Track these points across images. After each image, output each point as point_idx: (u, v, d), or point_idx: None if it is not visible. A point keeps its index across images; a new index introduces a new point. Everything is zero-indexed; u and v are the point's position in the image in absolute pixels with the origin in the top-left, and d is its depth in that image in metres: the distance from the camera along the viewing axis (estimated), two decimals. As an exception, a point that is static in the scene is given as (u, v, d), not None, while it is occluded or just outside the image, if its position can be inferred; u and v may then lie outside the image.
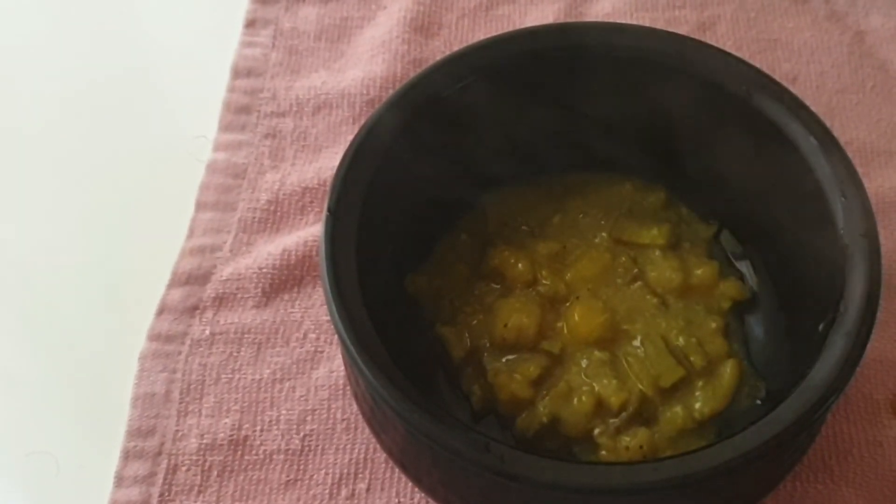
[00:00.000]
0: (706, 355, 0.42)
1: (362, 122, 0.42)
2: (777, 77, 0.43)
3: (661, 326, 0.43)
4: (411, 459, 0.39)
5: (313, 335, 0.48)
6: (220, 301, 0.48)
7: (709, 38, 0.55)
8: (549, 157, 0.47)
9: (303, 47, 0.58)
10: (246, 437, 0.45)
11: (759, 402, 0.42)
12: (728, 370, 0.42)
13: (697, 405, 0.41)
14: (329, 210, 0.39)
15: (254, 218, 0.51)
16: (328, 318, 0.42)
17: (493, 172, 0.46)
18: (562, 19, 0.59)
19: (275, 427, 0.45)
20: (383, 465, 0.44)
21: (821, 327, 0.38)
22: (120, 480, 0.44)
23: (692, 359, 0.42)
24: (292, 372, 0.47)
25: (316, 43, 0.58)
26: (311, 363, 0.47)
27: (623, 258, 0.45)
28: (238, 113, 0.55)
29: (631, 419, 0.41)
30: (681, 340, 0.42)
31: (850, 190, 0.39)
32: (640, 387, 0.41)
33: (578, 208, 0.47)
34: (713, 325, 0.43)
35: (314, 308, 0.48)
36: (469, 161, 0.45)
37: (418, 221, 0.45)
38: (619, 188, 0.47)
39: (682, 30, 0.57)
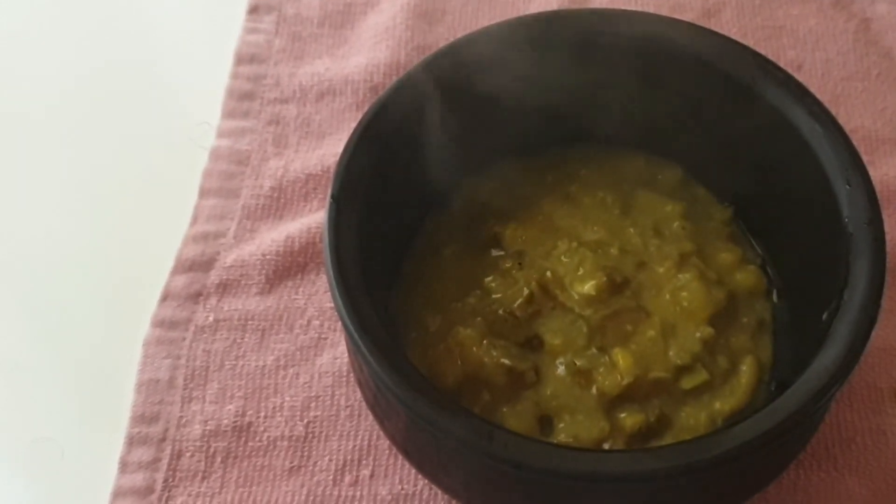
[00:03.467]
0: (731, 355, 0.41)
1: (366, 108, 0.42)
2: (782, 64, 0.43)
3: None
4: (414, 446, 0.39)
5: (317, 322, 0.48)
6: (224, 288, 0.48)
7: (714, 25, 0.55)
8: (554, 136, 0.47)
9: (306, 33, 0.58)
10: (250, 424, 0.45)
11: (772, 389, 0.42)
12: (747, 367, 0.41)
13: (717, 405, 0.40)
14: (332, 197, 0.39)
15: (257, 205, 0.51)
16: (331, 304, 0.42)
17: (499, 154, 0.46)
18: (566, 6, 0.59)
19: (278, 414, 0.45)
20: (387, 452, 0.44)
21: (825, 316, 0.38)
22: (124, 466, 0.44)
23: (718, 359, 0.41)
24: (296, 359, 0.47)
25: (319, 29, 0.58)
26: (314, 350, 0.47)
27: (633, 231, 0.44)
28: (241, 99, 0.55)
29: (645, 435, 0.40)
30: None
31: (855, 178, 0.39)
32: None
33: (585, 181, 0.46)
34: (744, 319, 0.42)
35: (318, 295, 0.48)
36: (475, 145, 0.45)
37: (422, 207, 0.45)
38: (632, 161, 0.46)
39: (687, 16, 0.57)
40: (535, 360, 0.41)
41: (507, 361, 0.40)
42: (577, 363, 0.40)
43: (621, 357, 0.40)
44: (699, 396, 0.41)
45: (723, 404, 0.40)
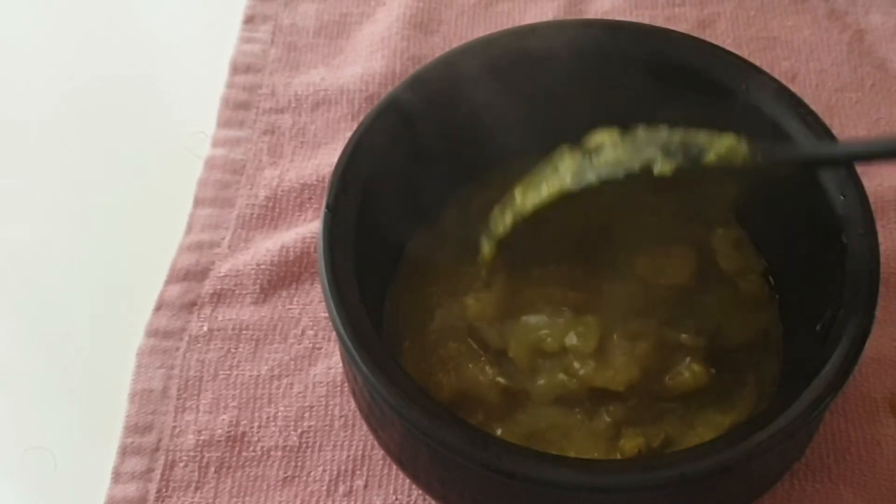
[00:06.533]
0: (733, 367, 0.41)
1: (361, 118, 0.42)
2: (776, 75, 0.43)
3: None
4: (409, 456, 0.39)
5: (311, 332, 0.47)
6: (218, 297, 0.48)
7: (708, 36, 0.55)
8: (550, 145, 0.46)
9: (302, 43, 0.58)
10: (243, 434, 0.45)
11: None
12: (750, 380, 0.41)
13: (718, 419, 0.40)
14: (327, 207, 0.39)
15: (252, 214, 0.51)
16: (326, 314, 0.42)
17: (494, 163, 0.46)
18: (561, 16, 0.59)
19: (272, 424, 0.45)
20: (381, 462, 0.44)
21: (819, 326, 0.38)
22: (117, 476, 0.44)
23: (720, 371, 0.40)
24: (290, 368, 0.47)
25: (315, 39, 0.58)
26: (308, 360, 0.47)
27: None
28: (237, 109, 0.55)
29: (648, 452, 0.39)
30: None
31: (849, 188, 0.39)
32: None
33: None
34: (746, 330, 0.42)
35: (312, 305, 0.48)
36: (470, 154, 0.45)
37: (416, 215, 0.45)
38: None
39: (682, 27, 0.57)
40: (531, 379, 0.40)
41: (502, 380, 0.40)
42: (575, 384, 0.40)
43: (620, 375, 0.39)
44: (702, 412, 0.40)
45: (724, 418, 0.40)
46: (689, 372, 0.40)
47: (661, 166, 0.37)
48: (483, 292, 0.42)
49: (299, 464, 0.44)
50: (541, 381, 0.40)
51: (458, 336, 0.41)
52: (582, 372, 0.39)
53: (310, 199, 0.52)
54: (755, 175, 0.38)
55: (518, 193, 0.40)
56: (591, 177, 0.38)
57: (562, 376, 0.40)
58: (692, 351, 0.40)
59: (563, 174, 0.39)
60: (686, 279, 0.42)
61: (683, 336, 0.40)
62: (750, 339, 0.42)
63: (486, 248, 0.41)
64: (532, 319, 0.41)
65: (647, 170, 0.38)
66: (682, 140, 0.38)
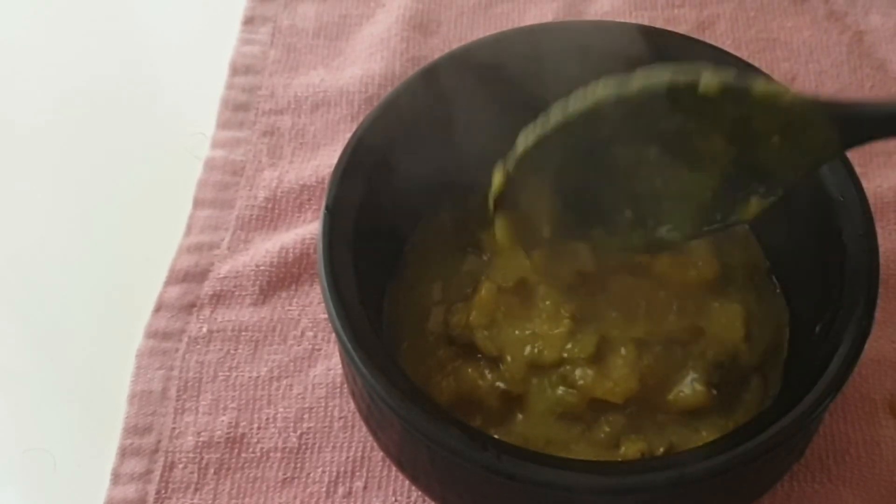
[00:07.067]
0: (739, 372, 0.40)
1: (360, 119, 0.42)
2: (776, 77, 0.43)
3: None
4: (408, 457, 0.39)
5: (311, 333, 0.47)
6: (218, 298, 0.48)
7: (708, 38, 0.55)
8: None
9: (301, 45, 0.58)
10: (243, 435, 0.45)
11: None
12: (753, 384, 0.40)
13: (722, 423, 0.39)
14: (327, 208, 0.39)
15: (251, 215, 0.51)
16: (325, 315, 0.42)
17: (492, 163, 0.46)
18: (560, 18, 0.59)
19: (272, 425, 0.45)
20: (380, 464, 0.44)
21: (819, 327, 0.38)
22: (116, 478, 0.44)
23: (725, 377, 0.40)
24: (290, 370, 0.47)
25: (314, 40, 0.58)
26: (308, 361, 0.47)
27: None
28: (236, 110, 0.55)
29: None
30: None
31: (848, 190, 0.39)
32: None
33: None
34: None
35: (312, 306, 0.48)
36: (468, 154, 0.45)
37: (414, 216, 0.45)
38: None
39: (682, 29, 0.57)
40: (529, 383, 0.40)
41: (501, 385, 0.40)
42: (574, 396, 0.39)
43: (619, 386, 0.39)
44: (705, 418, 0.40)
45: (727, 422, 0.39)
46: (691, 391, 0.39)
47: (709, 79, 0.35)
48: (469, 301, 0.42)
49: (299, 465, 0.44)
50: (540, 401, 0.40)
51: (456, 338, 0.41)
52: (581, 382, 0.39)
53: (309, 200, 0.52)
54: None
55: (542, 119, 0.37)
56: (631, 85, 0.35)
57: (561, 390, 0.39)
58: (697, 371, 0.40)
59: (594, 88, 0.36)
60: (705, 283, 0.41)
61: (691, 363, 0.40)
62: (762, 355, 0.41)
63: (497, 177, 0.38)
64: (526, 332, 0.40)
65: (692, 86, 0.35)
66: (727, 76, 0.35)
